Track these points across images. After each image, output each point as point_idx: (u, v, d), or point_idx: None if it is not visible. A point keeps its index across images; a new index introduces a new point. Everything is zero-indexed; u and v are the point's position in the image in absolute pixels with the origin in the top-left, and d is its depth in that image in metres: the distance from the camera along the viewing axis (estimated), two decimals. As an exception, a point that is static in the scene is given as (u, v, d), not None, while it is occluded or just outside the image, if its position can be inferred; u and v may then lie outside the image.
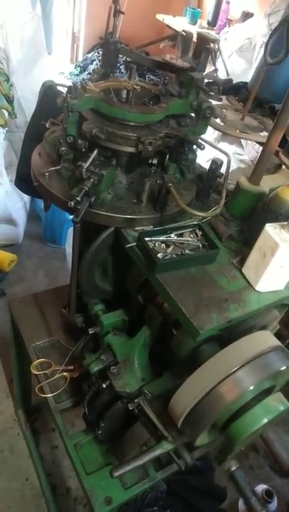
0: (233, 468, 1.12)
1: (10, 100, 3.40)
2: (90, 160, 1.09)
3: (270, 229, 1.07)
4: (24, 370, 2.06)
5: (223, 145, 5.58)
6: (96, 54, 5.68)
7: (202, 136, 1.36)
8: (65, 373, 1.65)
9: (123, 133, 1.14)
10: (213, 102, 1.44)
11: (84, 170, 1.08)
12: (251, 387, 0.95)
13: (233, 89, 2.06)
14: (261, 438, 2.54)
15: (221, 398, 0.94)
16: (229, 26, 4.46)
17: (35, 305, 1.92)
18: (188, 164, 1.39)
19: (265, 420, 0.95)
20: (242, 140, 4.02)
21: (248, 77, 2.27)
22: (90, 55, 5.83)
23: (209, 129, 1.45)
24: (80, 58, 5.97)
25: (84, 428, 1.50)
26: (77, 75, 5.66)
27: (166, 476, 1.46)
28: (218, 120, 1.70)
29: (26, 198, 3.53)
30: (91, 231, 1.26)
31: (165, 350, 1.25)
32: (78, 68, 5.78)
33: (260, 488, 2.26)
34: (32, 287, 3.37)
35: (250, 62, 3.58)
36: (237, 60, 3.61)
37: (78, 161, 1.13)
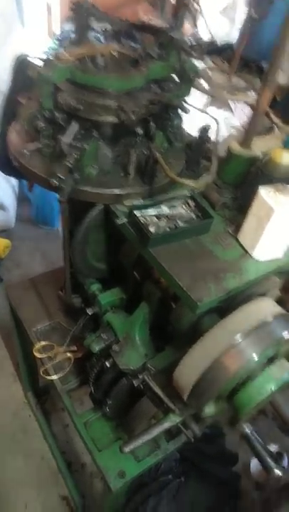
0: (248, 431, 1.13)
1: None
2: (70, 134, 1.04)
3: (264, 193, 1.03)
4: (28, 353, 2.06)
5: (212, 110, 5.43)
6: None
7: (190, 102, 1.29)
8: (68, 354, 1.64)
9: (102, 102, 1.07)
10: (197, 64, 1.37)
11: (64, 145, 1.02)
12: (255, 357, 0.93)
13: (217, 50, 1.97)
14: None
15: (224, 369, 0.93)
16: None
17: (33, 289, 1.90)
18: (175, 131, 1.32)
19: (271, 389, 0.94)
20: (231, 104, 3.89)
21: (232, 39, 2.16)
22: (67, 27, 5.57)
23: (197, 95, 1.38)
24: (58, 31, 5.70)
25: (92, 406, 1.52)
26: (57, 49, 5.43)
27: (178, 446, 1.48)
28: (203, 83, 1.63)
29: (14, 181, 3.45)
30: (80, 209, 1.22)
31: (166, 324, 1.24)
32: (57, 42, 5.54)
33: (271, 449, 2.31)
34: (29, 271, 3.34)
35: (233, 22, 3.42)
36: (220, 20, 3.44)
37: (58, 135, 1.07)
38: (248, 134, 1.24)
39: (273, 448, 2.28)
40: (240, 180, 1.31)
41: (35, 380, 2.42)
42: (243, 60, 1.77)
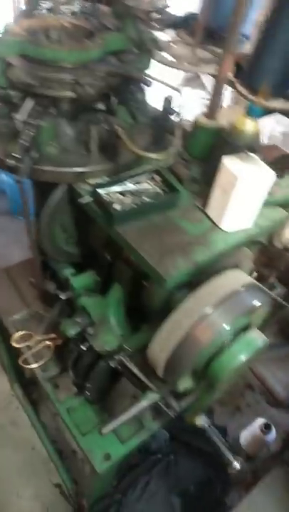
0: (206, 425, 1.14)
1: None
2: (25, 111, 0.99)
3: (228, 162, 1.01)
4: (10, 344, 2.04)
5: (187, 90, 5.34)
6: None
7: (165, 81, 1.24)
8: (48, 342, 1.62)
9: (57, 76, 1.03)
10: (161, 37, 1.33)
11: (19, 122, 0.98)
12: (226, 327, 0.92)
13: (183, 23, 1.91)
14: (255, 376, 2.62)
15: (196, 341, 0.92)
16: None
17: (8, 279, 1.86)
18: (139, 106, 1.29)
19: (243, 358, 0.94)
20: (204, 82, 3.83)
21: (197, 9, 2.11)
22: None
23: (171, 73, 1.34)
24: (22, 5, 5.48)
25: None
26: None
27: (163, 424, 1.48)
28: (167, 56, 1.58)
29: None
30: (45, 191, 1.18)
31: (140, 304, 1.22)
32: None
33: (259, 422, 2.35)
34: (7, 264, 3.29)
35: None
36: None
37: (14, 112, 1.02)
38: (212, 104, 1.21)
39: (261, 421, 2.32)
40: (207, 153, 1.28)
41: (21, 372, 2.40)
42: (208, 31, 1.72)
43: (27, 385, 2.49)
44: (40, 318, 1.73)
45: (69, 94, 1.05)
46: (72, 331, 1.25)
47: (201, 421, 1.11)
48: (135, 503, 1.66)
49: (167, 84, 1.32)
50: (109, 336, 1.21)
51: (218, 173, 1.04)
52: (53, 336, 1.61)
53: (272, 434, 2.29)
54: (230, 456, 1.09)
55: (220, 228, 1.07)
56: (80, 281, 1.32)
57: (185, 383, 1.02)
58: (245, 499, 1.58)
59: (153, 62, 1.37)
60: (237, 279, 1.00)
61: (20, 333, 1.65)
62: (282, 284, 2.47)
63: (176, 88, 1.30)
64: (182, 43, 1.78)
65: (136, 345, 1.20)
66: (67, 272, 1.38)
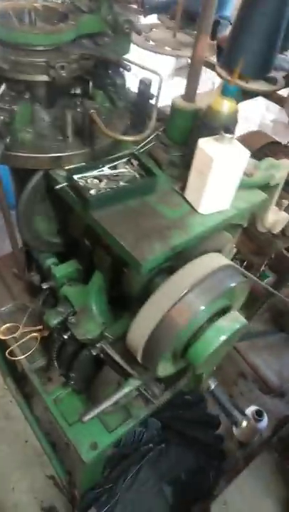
0: (212, 387, 1.13)
1: None
2: (-4, 96, 0.97)
3: (203, 144, 0.99)
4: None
5: (178, 80, 5.29)
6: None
7: (156, 69, 1.22)
8: (35, 334, 1.61)
9: (29, 59, 1.01)
10: (142, 21, 1.30)
11: (-11, 108, 0.96)
12: (202, 308, 0.91)
13: (164, 7, 1.88)
14: (247, 364, 2.62)
15: (172, 323, 0.91)
16: None
17: (-6, 271, 1.85)
18: (118, 90, 1.27)
19: (221, 339, 0.93)
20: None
21: None
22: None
23: (163, 61, 1.32)
24: None
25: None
26: None
27: (150, 412, 1.48)
28: (147, 40, 1.56)
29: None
30: (23, 179, 1.16)
31: (122, 291, 1.21)
32: None
33: (251, 409, 2.35)
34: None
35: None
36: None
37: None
38: (189, 87, 1.19)
39: (253, 408, 2.32)
40: (186, 137, 1.26)
41: (13, 366, 2.39)
42: (189, 14, 1.69)
43: (19, 379, 2.48)
44: (26, 311, 1.72)
45: (42, 77, 1.03)
46: (54, 321, 1.24)
47: (211, 383, 1.10)
48: (126, 492, 1.66)
49: (147, 68, 1.30)
50: (90, 324, 1.20)
51: (195, 155, 1.02)
52: (38, 327, 1.60)
53: (265, 421, 2.30)
54: (238, 414, 1.08)
55: (197, 211, 1.06)
56: (62, 270, 1.30)
57: (165, 368, 1.01)
58: (232, 483, 1.59)
59: (136, 49, 1.35)
60: (214, 261, 0.99)
61: (7, 325, 1.65)
62: (272, 271, 2.47)
63: (155, 71, 1.28)
64: (163, 27, 1.76)
65: (118, 332, 1.19)
66: (50, 261, 1.37)
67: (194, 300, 0.91)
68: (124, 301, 1.25)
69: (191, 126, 1.24)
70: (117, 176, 1.08)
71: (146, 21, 1.80)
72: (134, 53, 1.38)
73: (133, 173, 1.10)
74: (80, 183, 1.02)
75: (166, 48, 1.49)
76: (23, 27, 1.04)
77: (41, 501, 2.17)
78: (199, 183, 1.03)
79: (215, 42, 1.81)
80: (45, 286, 1.31)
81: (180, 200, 1.11)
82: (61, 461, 2.18)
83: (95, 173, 1.07)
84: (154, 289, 1.07)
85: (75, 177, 1.04)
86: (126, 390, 1.08)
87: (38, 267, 1.49)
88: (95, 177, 1.06)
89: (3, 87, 1.00)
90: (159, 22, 1.78)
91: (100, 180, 1.06)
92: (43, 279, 1.52)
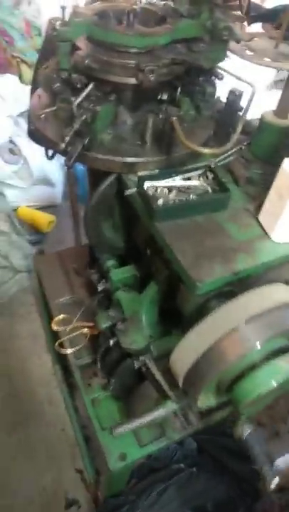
0: (246, 434, 1.03)
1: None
2: (83, 95, 0.98)
3: (288, 165, 0.90)
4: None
5: (275, 92, 5.06)
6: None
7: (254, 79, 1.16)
8: (85, 330, 1.63)
9: (119, 60, 1.00)
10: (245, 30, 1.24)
11: (75, 106, 0.96)
12: (258, 345, 0.83)
13: (271, 16, 1.77)
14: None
15: (222, 355, 0.84)
16: None
17: (59, 262, 1.90)
18: (206, 99, 1.22)
19: (274, 383, 0.84)
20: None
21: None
22: None
23: (262, 72, 1.25)
24: None
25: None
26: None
27: (184, 436, 1.41)
28: (247, 51, 1.47)
29: (63, 158, 3.49)
30: (98, 179, 1.17)
31: (175, 306, 1.16)
32: None
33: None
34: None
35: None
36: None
37: (75, 96, 1.02)
38: (283, 100, 1.10)
39: None
40: (272, 154, 1.17)
41: (62, 355, 2.46)
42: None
43: (66, 368, 2.55)
44: (81, 306, 1.75)
45: (129, 80, 1.02)
46: (104, 324, 1.23)
47: (245, 430, 1.00)
48: (147, 510, 1.61)
49: (240, 79, 1.23)
50: (138, 334, 1.17)
51: (277, 177, 0.93)
52: (90, 324, 1.61)
53: None
54: (268, 470, 0.97)
55: (270, 237, 0.97)
56: (120, 274, 1.29)
57: (206, 400, 0.94)
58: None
59: (233, 57, 1.29)
60: (279, 294, 0.89)
61: (61, 316, 1.68)
62: None
63: (248, 82, 1.21)
64: (266, 37, 1.65)
65: (163, 348, 1.14)
66: (110, 263, 1.36)
67: (250, 334, 0.83)
68: (175, 317, 1.20)
69: (278, 144, 1.15)
70: (188, 188, 1.02)
71: (251, 29, 1.71)
72: (230, 61, 1.32)
73: (206, 186, 1.04)
74: (149, 192, 0.99)
75: (266, 58, 1.39)
76: (118, 28, 1.03)
77: (66, 491, 2.20)
78: (277, 207, 0.94)
79: None
80: (100, 287, 1.30)
81: (252, 221, 1.03)
82: (92, 459, 2.19)
83: (167, 182, 1.03)
84: (208, 312, 1.00)
85: (146, 185, 1.00)
86: (162, 411, 1.03)
87: (98, 266, 1.50)
88: (165, 186, 1.02)
89: (91, 86, 1.01)
90: (262, 31, 1.68)
91: (170, 191, 1.02)
92: (101, 278, 1.53)
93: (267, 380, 0.84)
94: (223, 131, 1.24)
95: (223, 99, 1.31)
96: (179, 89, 1.15)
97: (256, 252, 0.94)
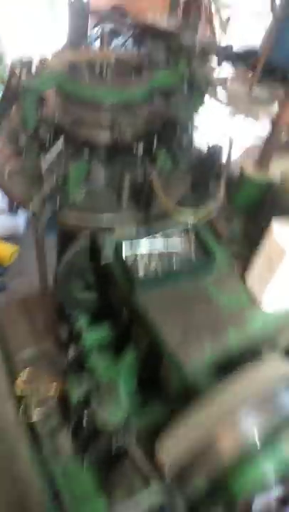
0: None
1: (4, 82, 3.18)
2: (52, 154, 0.88)
3: (277, 229, 0.85)
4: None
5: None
6: (100, 30, 5.24)
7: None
8: (52, 390, 1.49)
9: (93, 117, 0.91)
10: (216, 72, 1.20)
11: (44, 167, 0.87)
12: (256, 436, 0.75)
13: (242, 57, 1.78)
14: None
15: (217, 446, 0.75)
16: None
17: (24, 311, 1.75)
18: (182, 149, 1.15)
19: (271, 474, 0.75)
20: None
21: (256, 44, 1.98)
22: (94, 31, 5.40)
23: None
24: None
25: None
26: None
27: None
28: (221, 92, 1.45)
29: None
30: (68, 236, 1.06)
31: (156, 374, 1.06)
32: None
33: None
34: (35, 280, 3.22)
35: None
36: (248, 22, 3.25)
37: (43, 152, 0.92)
38: (264, 153, 1.06)
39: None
40: (253, 208, 1.13)
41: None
42: (268, 67, 1.57)
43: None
44: (50, 359, 1.61)
45: (104, 137, 0.93)
46: (76, 395, 1.11)
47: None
48: None
49: (218, 130, 1.19)
50: (115, 407, 1.05)
51: (265, 240, 0.87)
52: (58, 383, 1.48)
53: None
54: None
55: (260, 305, 0.90)
56: (93, 335, 1.18)
57: (196, 491, 0.84)
58: None
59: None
60: (275, 370, 0.81)
61: (27, 370, 1.54)
62: None
63: (226, 134, 1.16)
64: (239, 79, 1.65)
65: (144, 423, 1.04)
66: (82, 321, 1.24)
67: (247, 422, 0.74)
68: (155, 385, 1.10)
69: (259, 198, 1.10)
70: (170, 251, 0.94)
71: (221, 70, 1.70)
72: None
73: (189, 248, 0.97)
74: (129, 260, 0.90)
75: (241, 104, 1.37)
76: (91, 81, 0.95)
77: None
78: (266, 273, 0.88)
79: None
80: (72, 352, 1.18)
81: (239, 285, 0.96)
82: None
83: (147, 246, 0.94)
84: (196, 387, 0.91)
85: (124, 251, 0.91)
86: (143, 501, 0.92)
87: (67, 320, 1.38)
88: (145, 251, 0.94)
89: (61, 144, 0.91)
90: (233, 72, 1.68)
91: (151, 256, 0.93)
92: (70, 333, 1.41)
93: (265, 471, 0.76)
94: (201, 183, 1.18)
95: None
96: (155, 140, 1.08)
97: (247, 324, 0.87)
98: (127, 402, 1.06)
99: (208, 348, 0.80)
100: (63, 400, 1.43)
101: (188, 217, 0.89)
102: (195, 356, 0.78)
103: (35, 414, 1.46)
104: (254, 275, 0.93)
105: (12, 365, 1.63)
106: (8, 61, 3.07)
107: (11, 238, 3.38)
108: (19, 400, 1.81)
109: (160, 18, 1.03)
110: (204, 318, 0.86)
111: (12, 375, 1.83)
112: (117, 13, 4.34)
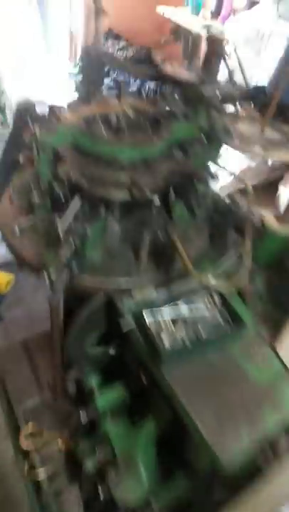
0: None
1: (1, 109, 3.16)
2: (69, 216, 0.82)
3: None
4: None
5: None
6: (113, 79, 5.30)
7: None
8: (59, 445, 1.39)
9: (112, 176, 0.85)
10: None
11: (62, 231, 0.80)
12: None
13: (250, 96, 1.74)
14: None
15: None
16: (234, 15, 4.10)
17: (25, 355, 1.66)
18: (200, 200, 1.10)
19: None
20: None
21: (256, 71, 1.97)
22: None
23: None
24: (78, 56, 5.63)
25: None
26: (77, 74, 5.34)
27: None
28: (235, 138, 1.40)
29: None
30: (82, 298, 0.99)
31: (178, 445, 0.98)
32: (78, 67, 5.45)
33: None
34: (32, 310, 3.10)
35: (257, 54, 3.25)
36: (243, 51, 3.29)
37: (56, 209, 0.85)
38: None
39: None
40: (277, 262, 1.07)
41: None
42: (278, 106, 1.54)
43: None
44: (54, 411, 1.51)
45: (123, 196, 0.87)
46: (90, 466, 1.02)
47: None
48: None
49: (235, 179, 1.14)
50: (134, 483, 0.97)
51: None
52: (64, 438, 1.39)
53: None
54: None
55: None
56: (106, 398, 1.09)
57: None
58: None
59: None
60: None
61: (30, 426, 1.44)
62: None
63: (244, 182, 1.11)
64: (246, 119, 1.61)
65: (166, 501, 0.95)
66: (93, 381, 1.16)
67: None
68: (177, 457, 1.01)
69: (283, 252, 1.05)
70: (196, 318, 0.88)
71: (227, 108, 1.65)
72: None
73: (215, 314, 0.90)
74: (152, 328, 0.83)
75: (256, 147, 1.33)
76: (109, 136, 0.89)
77: None
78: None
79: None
80: (84, 418, 1.09)
81: (268, 352, 0.90)
82: None
83: (170, 312, 0.88)
84: (232, 479, 0.83)
85: (147, 317, 0.84)
86: None
87: (76, 375, 1.29)
88: (169, 317, 0.87)
89: (78, 204, 0.84)
90: (242, 112, 1.64)
91: (175, 323, 0.86)
92: (79, 390, 1.31)
93: None
94: (219, 234, 1.13)
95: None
96: (172, 193, 1.02)
97: (283, 403, 0.79)
98: (146, 477, 0.98)
99: (246, 436, 0.73)
100: (70, 457, 1.34)
101: (218, 288, 0.83)
102: (232, 447, 0.71)
103: (41, 473, 1.38)
104: (286, 343, 0.86)
105: (14, 417, 1.54)
106: (7, 99, 3.04)
107: (6, 266, 3.28)
108: (24, 455, 1.71)
109: (179, 67, 0.98)
110: (236, 397, 0.78)
111: (14, 430, 1.73)
112: (112, 35, 4.37)
